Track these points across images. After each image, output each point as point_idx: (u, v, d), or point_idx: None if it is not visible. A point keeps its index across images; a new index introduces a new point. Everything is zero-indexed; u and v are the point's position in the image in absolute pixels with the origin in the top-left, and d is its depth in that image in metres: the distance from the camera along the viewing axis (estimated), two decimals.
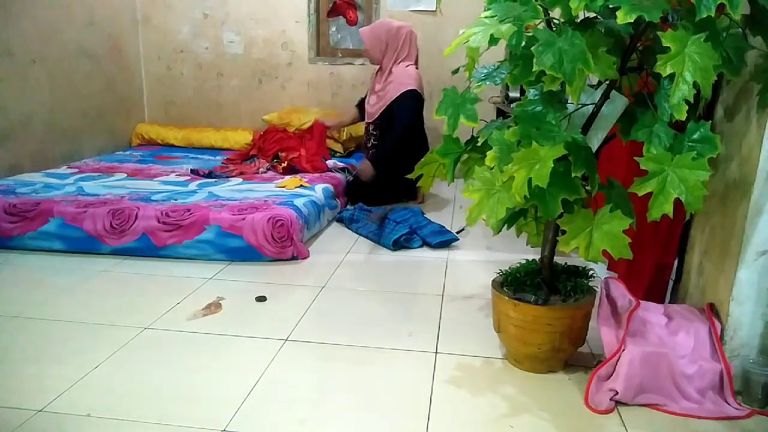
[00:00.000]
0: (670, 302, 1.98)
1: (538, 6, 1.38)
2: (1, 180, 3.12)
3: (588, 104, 1.52)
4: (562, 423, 1.47)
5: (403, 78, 3.43)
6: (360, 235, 3.00)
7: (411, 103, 3.43)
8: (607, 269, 2.29)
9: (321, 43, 4.54)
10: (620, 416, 1.49)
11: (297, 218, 2.62)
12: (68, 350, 1.78)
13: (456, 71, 1.60)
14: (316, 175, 3.41)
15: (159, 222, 2.58)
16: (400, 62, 3.47)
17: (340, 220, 3.21)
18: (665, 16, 1.33)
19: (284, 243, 2.55)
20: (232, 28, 4.51)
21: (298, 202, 2.80)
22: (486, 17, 1.37)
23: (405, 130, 3.40)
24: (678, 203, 1.32)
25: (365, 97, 3.74)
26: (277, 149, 3.72)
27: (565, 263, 1.76)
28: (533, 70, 1.32)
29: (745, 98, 1.59)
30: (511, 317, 1.65)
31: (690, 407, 1.51)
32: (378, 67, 3.59)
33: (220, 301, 2.14)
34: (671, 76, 1.27)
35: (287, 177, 3.35)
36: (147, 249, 2.58)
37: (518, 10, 1.35)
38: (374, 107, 3.55)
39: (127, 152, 4.22)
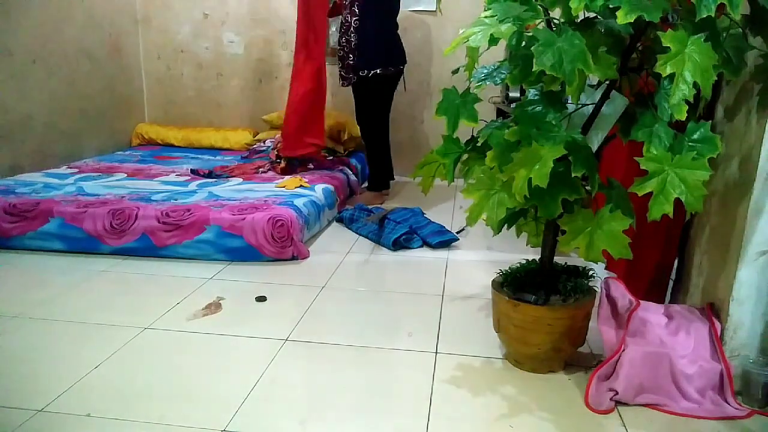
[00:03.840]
0: (670, 302, 1.98)
1: (538, 6, 1.38)
2: (1, 180, 3.12)
3: (588, 104, 1.52)
4: (562, 423, 1.47)
5: None
6: (360, 235, 3.00)
7: None
8: (606, 269, 2.29)
9: None
10: (620, 416, 1.49)
11: (297, 218, 2.62)
12: (68, 350, 1.78)
13: (456, 71, 1.59)
14: (316, 174, 3.40)
15: (159, 222, 2.58)
16: None
17: (340, 220, 3.21)
18: (665, 16, 1.33)
19: (284, 243, 2.55)
20: (232, 28, 4.50)
21: (298, 202, 2.80)
22: (486, 17, 1.37)
23: None
24: (678, 203, 1.32)
25: None
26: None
27: (565, 263, 1.76)
28: (533, 70, 1.32)
29: (745, 98, 1.59)
30: (511, 317, 1.65)
31: (690, 407, 1.51)
32: None
33: (220, 301, 2.14)
34: (671, 76, 1.27)
35: (287, 177, 3.35)
36: (147, 249, 2.58)
37: (518, 10, 1.35)
38: None
39: (127, 152, 4.21)
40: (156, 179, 3.29)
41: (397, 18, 3.61)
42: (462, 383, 1.64)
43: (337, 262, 2.60)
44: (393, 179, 3.83)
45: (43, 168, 3.49)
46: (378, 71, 3.45)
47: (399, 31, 3.61)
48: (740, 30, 1.39)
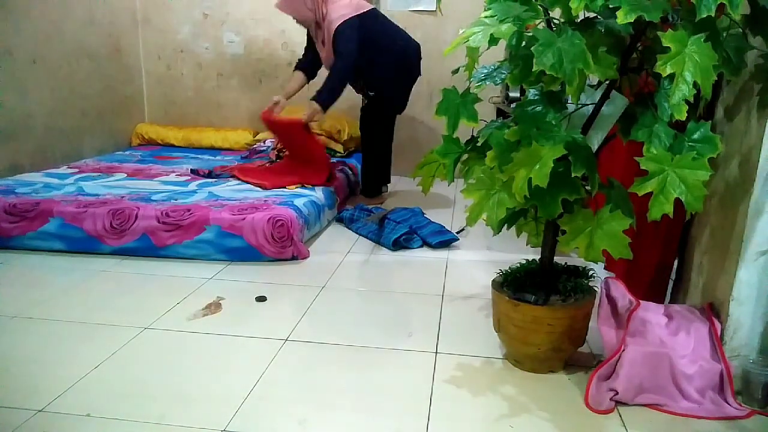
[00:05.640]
0: (670, 302, 1.98)
1: (538, 6, 1.38)
2: (1, 180, 3.12)
3: (588, 104, 1.52)
4: (562, 423, 1.47)
5: (335, 14, 3.29)
6: (360, 235, 3.00)
7: (349, 32, 3.28)
8: (605, 269, 2.29)
9: None
10: (620, 416, 1.49)
11: (297, 218, 2.62)
12: (68, 350, 1.78)
13: (456, 71, 1.59)
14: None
15: (159, 222, 2.58)
16: (329, 3, 3.33)
17: (340, 220, 3.22)
18: (665, 16, 1.33)
19: (284, 243, 2.55)
20: (232, 28, 4.51)
21: (298, 202, 2.80)
22: (486, 17, 1.37)
23: (346, 59, 3.28)
24: (678, 203, 1.32)
25: (303, 57, 3.58)
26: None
27: (565, 263, 1.76)
28: (533, 70, 1.32)
29: (745, 98, 1.59)
30: (511, 317, 1.65)
31: (690, 407, 1.51)
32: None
33: (220, 301, 2.14)
34: (671, 76, 1.27)
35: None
36: (147, 249, 2.58)
37: (518, 10, 1.35)
38: (327, 56, 3.41)
39: (127, 152, 4.22)
40: (156, 179, 3.29)
41: (399, 22, 3.57)
42: (462, 383, 1.64)
43: (337, 262, 2.60)
44: (389, 182, 3.81)
45: (43, 168, 3.49)
46: (392, 97, 3.53)
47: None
48: (740, 30, 1.39)
